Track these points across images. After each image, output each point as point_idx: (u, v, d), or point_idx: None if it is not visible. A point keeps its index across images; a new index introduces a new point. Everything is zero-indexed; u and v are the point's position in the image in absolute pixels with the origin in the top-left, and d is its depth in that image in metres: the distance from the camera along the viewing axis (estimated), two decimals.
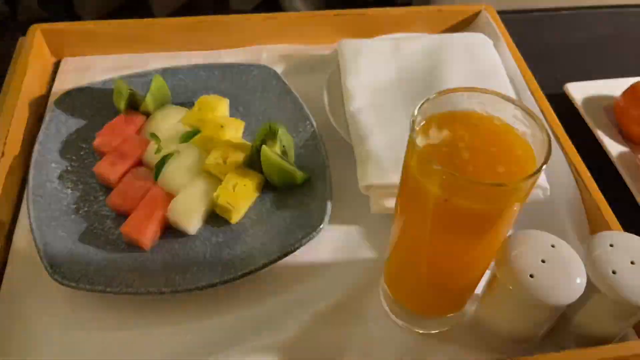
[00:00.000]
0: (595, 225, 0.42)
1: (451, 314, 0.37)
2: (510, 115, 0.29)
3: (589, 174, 0.44)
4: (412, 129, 0.26)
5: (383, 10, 0.57)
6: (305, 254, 0.42)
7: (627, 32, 0.67)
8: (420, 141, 0.27)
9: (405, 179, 0.29)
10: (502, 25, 0.57)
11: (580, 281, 0.32)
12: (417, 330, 0.38)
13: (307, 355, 0.37)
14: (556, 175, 0.45)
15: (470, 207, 0.27)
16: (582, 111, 0.53)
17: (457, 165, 0.26)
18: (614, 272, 0.32)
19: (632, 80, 0.54)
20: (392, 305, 0.39)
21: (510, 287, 0.32)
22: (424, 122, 0.28)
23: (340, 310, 0.39)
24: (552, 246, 0.33)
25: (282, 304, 0.40)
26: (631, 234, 0.34)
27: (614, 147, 0.50)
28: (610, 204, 0.44)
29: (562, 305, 0.32)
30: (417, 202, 0.29)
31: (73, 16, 1.62)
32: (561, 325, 0.37)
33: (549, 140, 0.27)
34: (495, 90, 0.28)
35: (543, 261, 0.32)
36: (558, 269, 0.32)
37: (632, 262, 0.33)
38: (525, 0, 0.68)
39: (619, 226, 0.40)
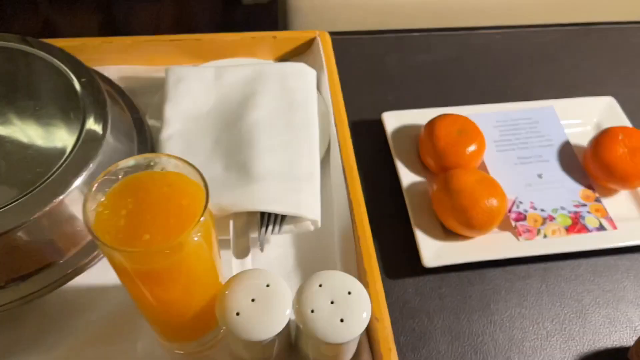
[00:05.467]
0: (358, 255, 0.46)
1: (199, 339, 0.42)
2: (186, 170, 0.33)
3: (363, 206, 0.48)
4: (83, 207, 0.30)
5: (218, 36, 0.60)
6: (96, 277, 0.46)
7: (471, 56, 0.70)
8: (95, 213, 0.31)
9: None
10: (331, 52, 0.60)
11: (283, 318, 0.36)
12: (177, 351, 0.43)
13: None
14: (337, 207, 0.50)
15: (142, 268, 0.31)
16: (389, 140, 0.57)
17: (112, 233, 0.29)
18: (312, 311, 0.37)
19: (441, 111, 0.58)
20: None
21: (224, 325, 0.37)
22: (105, 198, 0.31)
23: (114, 330, 0.44)
24: (267, 285, 0.38)
25: (61, 322, 0.44)
26: (343, 274, 0.39)
27: (408, 177, 0.54)
28: (393, 230, 0.50)
29: (262, 340, 0.36)
30: (112, 263, 0.33)
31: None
32: (298, 348, 0.42)
33: (207, 193, 0.31)
34: (163, 153, 0.32)
35: (253, 300, 0.37)
36: (265, 307, 0.37)
37: (332, 302, 0.37)
38: (375, 21, 0.71)
39: (374, 259, 0.45)
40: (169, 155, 0.32)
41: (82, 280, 0.45)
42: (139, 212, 0.30)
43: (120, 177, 0.32)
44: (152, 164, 0.33)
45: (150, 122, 0.55)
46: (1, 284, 0.43)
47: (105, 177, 0.32)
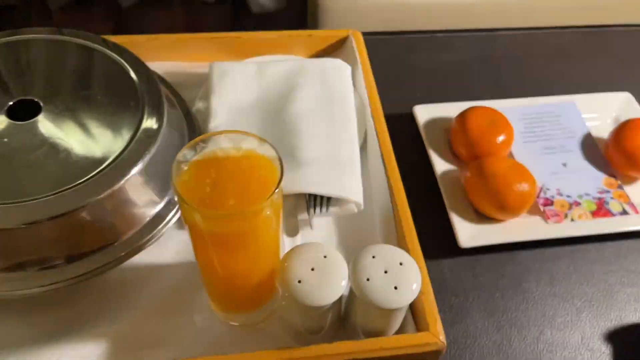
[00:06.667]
0: (399, 235, 0.49)
1: (255, 310, 0.45)
2: (258, 145, 0.36)
3: (402, 191, 0.51)
4: (171, 175, 0.33)
5: (257, 34, 0.64)
6: (152, 257, 0.49)
7: (493, 55, 0.74)
8: (178, 182, 0.34)
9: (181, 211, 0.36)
10: (364, 50, 0.63)
11: (341, 287, 0.39)
12: (232, 323, 0.46)
13: (134, 342, 0.44)
14: (378, 190, 0.53)
15: (221, 231, 0.34)
16: (421, 131, 0.60)
17: (199, 199, 0.32)
18: (368, 280, 0.40)
19: (469, 104, 0.61)
20: (212, 301, 0.46)
21: (285, 292, 0.40)
22: (187, 167, 0.34)
23: (171, 304, 0.47)
24: (325, 256, 0.40)
25: (121, 297, 0.47)
26: (394, 247, 0.42)
27: (441, 166, 0.57)
28: (428, 215, 0.53)
29: (322, 306, 0.39)
30: (192, 229, 0.36)
31: (40, 5, 1.75)
32: (347, 319, 0.45)
33: (281, 167, 0.34)
34: (240, 130, 0.35)
35: (313, 269, 0.40)
36: (324, 276, 0.39)
37: (385, 271, 0.40)
38: (402, 22, 0.74)
39: (415, 238, 0.48)
40: (244, 132, 0.35)
41: (139, 259, 0.47)
42: (223, 181, 0.33)
43: (198, 150, 0.35)
44: (227, 139, 0.35)
45: (199, 104, 0.58)
46: (65, 261, 0.46)
47: (186, 151, 0.35)
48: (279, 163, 0.34)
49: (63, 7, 1.82)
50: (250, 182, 0.34)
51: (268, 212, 0.35)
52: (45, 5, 1.80)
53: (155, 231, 0.49)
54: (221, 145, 0.36)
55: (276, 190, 0.33)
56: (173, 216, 0.49)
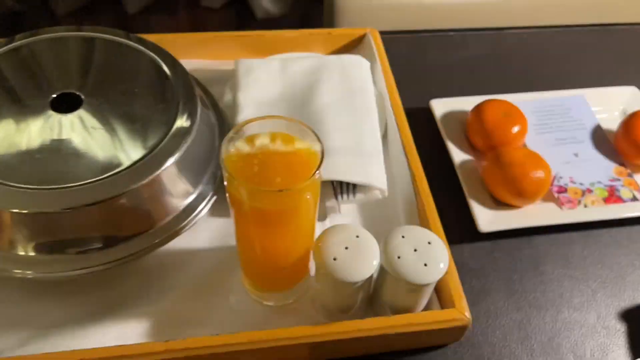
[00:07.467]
0: (422, 221, 0.52)
1: (289, 290, 0.47)
2: (297, 130, 0.38)
3: (424, 179, 0.53)
4: (220, 155, 0.36)
5: (279, 32, 0.66)
6: (187, 242, 0.51)
7: (503, 53, 0.77)
8: (228, 162, 0.36)
9: (228, 190, 0.38)
10: (381, 47, 0.66)
11: (373, 264, 0.42)
12: (266, 303, 0.48)
13: (173, 321, 0.47)
14: (400, 178, 0.55)
15: (266, 208, 0.36)
16: (439, 124, 0.63)
17: (247, 177, 0.35)
18: (399, 257, 0.42)
19: (483, 98, 0.63)
20: (247, 282, 0.48)
21: (321, 269, 0.42)
22: (234, 149, 0.37)
23: (208, 285, 0.49)
24: (357, 236, 0.43)
25: (159, 280, 0.49)
26: (422, 228, 0.44)
27: (459, 156, 0.60)
28: (447, 202, 0.56)
29: (357, 281, 0.41)
30: (237, 207, 0.38)
31: (47, 10, 1.77)
32: (376, 299, 0.47)
33: (322, 148, 0.37)
34: (281, 116, 0.37)
35: (346, 248, 0.42)
36: (357, 254, 0.42)
37: (415, 250, 0.42)
38: (415, 22, 0.77)
39: (439, 222, 0.50)
40: (285, 118, 0.38)
41: (175, 245, 0.50)
42: (270, 161, 0.36)
43: (242, 135, 0.38)
44: (269, 124, 0.38)
45: (226, 99, 0.61)
46: (104, 245, 0.48)
47: (233, 134, 0.37)
48: (319, 146, 0.37)
49: (70, 13, 1.84)
50: (295, 161, 0.36)
51: (308, 197, 0.38)
52: (52, 11, 1.82)
53: (189, 219, 0.51)
54: (264, 130, 0.38)
55: (318, 171, 0.36)
56: (205, 206, 0.52)
